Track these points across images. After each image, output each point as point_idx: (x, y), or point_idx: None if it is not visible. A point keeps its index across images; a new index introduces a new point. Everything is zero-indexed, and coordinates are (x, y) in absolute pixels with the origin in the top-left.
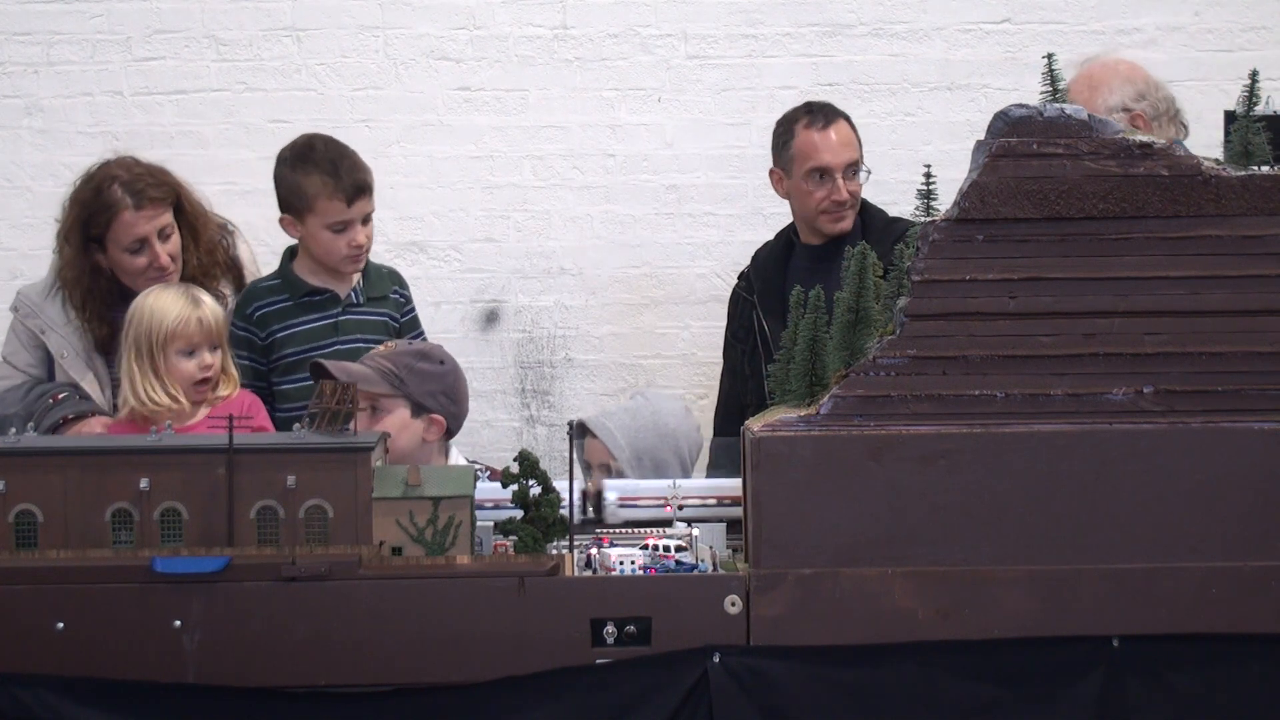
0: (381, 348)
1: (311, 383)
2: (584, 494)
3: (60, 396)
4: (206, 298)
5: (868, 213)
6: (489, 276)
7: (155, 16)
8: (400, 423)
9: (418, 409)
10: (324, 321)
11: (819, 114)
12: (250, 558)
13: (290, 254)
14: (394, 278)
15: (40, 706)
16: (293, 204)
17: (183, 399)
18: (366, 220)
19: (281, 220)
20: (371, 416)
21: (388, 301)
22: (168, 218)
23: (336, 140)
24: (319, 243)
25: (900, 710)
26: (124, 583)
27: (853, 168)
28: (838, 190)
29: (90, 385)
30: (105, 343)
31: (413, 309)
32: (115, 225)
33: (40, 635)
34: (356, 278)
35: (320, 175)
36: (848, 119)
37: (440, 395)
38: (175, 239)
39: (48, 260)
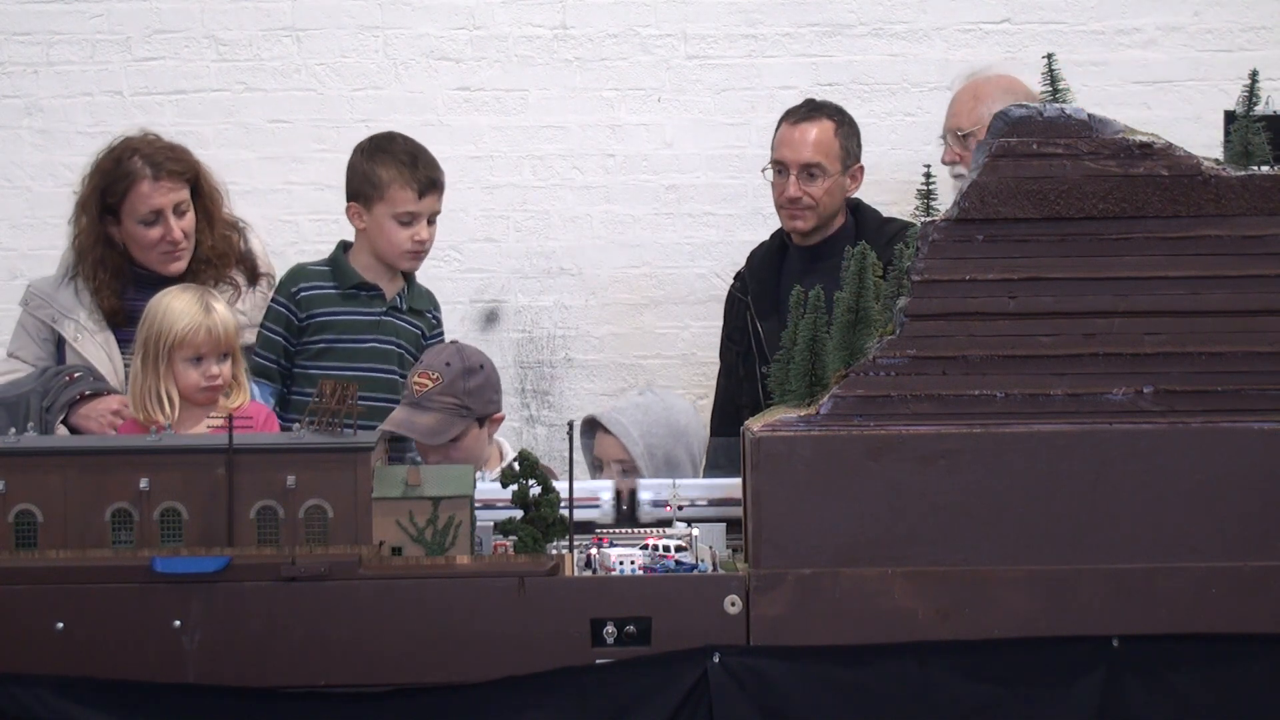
0: (422, 379)
1: (335, 373)
2: (616, 493)
3: (75, 375)
4: (220, 305)
5: (861, 213)
6: (489, 276)
7: (155, 16)
8: (474, 439)
9: (482, 419)
10: (367, 316)
11: (802, 109)
12: (250, 558)
13: (343, 247)
14: (433, 301)
15: (40, 706)
16: (363, 191)
17: (176, 411)
18: (432, 220)
19: (348, 209)
20: (451, 446)
21: (424, 319)
22: (184, 195)
23: (415, 140)
24: (383, 233)
25: (900, 710)
26: (124, 583)
27: (810, 169)
28: (787, 187)
29: (104, 367)
30: (114, 316)
31: (441, 335)
32: (132, 194)
33: (40, 635)
34: (401, 283)
35: (396, 165)
36: (841, 123)
37: (494, 396)
38: (190, 217)
39: (48, 260)
